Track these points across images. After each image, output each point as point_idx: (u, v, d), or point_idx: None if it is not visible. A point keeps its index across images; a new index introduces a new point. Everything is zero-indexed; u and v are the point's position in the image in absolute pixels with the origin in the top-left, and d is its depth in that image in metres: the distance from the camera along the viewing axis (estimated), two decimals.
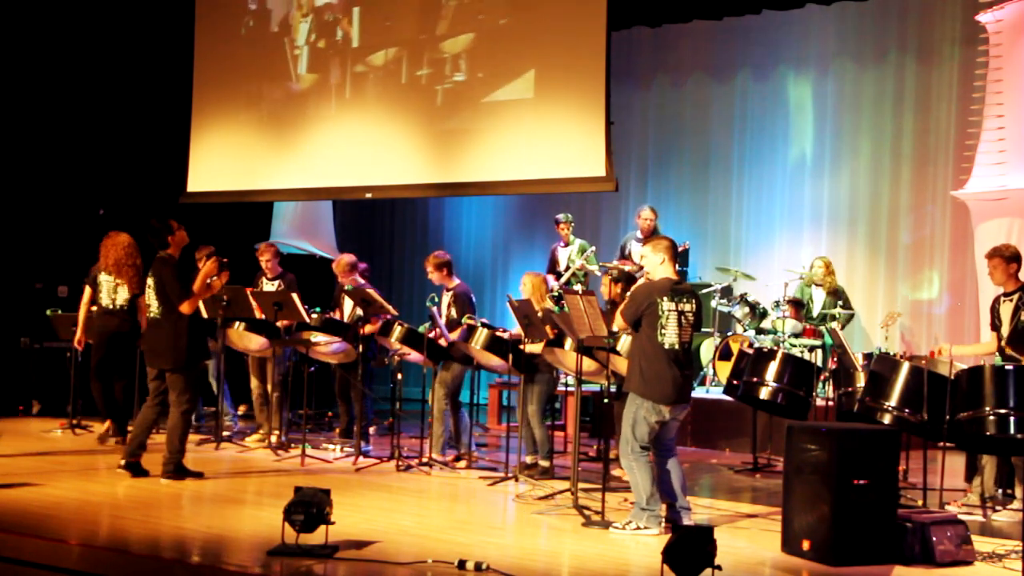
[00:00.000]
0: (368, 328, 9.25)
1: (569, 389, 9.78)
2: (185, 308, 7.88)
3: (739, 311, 11.08)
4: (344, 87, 12.22)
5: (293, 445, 9.51)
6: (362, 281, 10.01)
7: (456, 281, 9.27)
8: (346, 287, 9.86)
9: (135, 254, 9.59)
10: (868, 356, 8.17)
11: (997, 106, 10.50)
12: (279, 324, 9.69)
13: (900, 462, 7.26)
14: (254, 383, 10.13)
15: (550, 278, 11.51)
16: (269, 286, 10.25)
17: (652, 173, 13.70)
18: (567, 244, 11.85)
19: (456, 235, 14.82)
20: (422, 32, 11.72)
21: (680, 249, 11.22)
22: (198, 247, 10.95)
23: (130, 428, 9.22)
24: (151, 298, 8.02)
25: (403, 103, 11.79)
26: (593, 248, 11.72)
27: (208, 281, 8.08)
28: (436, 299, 9.17)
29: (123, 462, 8.03)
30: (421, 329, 9.13)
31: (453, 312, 9.08)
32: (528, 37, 11.04)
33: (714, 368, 10.98)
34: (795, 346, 10.44)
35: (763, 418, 9.69)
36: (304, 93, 12.52)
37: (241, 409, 11.43)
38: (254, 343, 9.93)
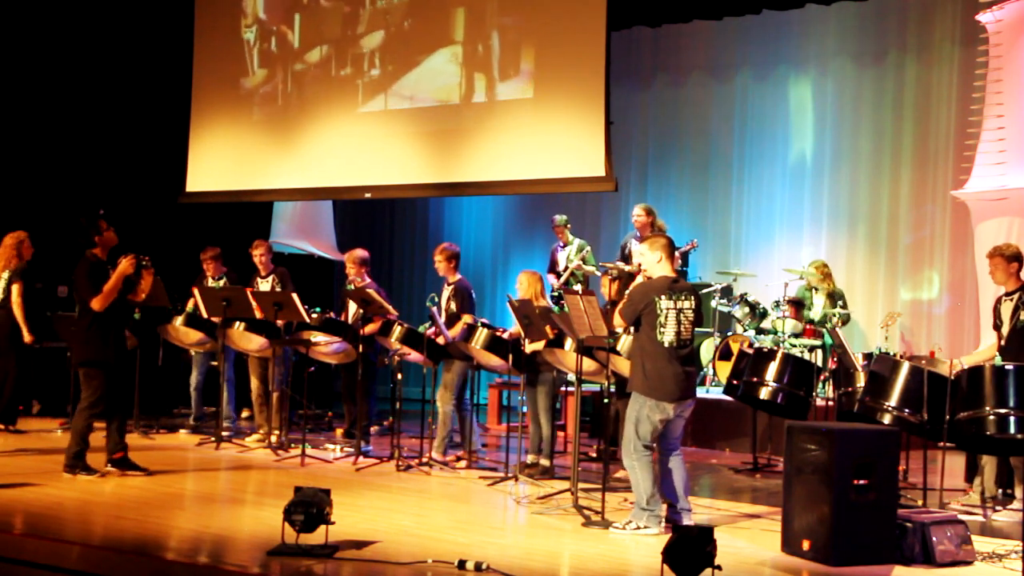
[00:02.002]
0: (369, 328, 9.25)
1: (569, 389, 9.77)
2: (95, 305, 7.96)
3: (739, 311, 11.08)
4: (345, 86, 12.21)
5: (293, 445, 9.51)
6: (367, 280, 10.00)
7: (458, 276, 9.29)
8: (345, 287, 9.86)
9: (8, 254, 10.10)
10: (868, 356, 8.17)
11: (997, 106, 10.49)
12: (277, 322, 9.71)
13: (900, 462, 7.26)
14: (254, 383, 10.14)
15: (550, 278, 11.53)
16: (264, 284, 10.27)
17: (652, 173, 13.70)
18: (566, 244, 11.85)
19: (456, 235, 14.81)
20: (423, 32, 11.74)
21: (688, 248, 11.33)
22: (204, 248, 10.98)
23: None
24: (76, 296, 8.25)
25: (402, 102, 11.79)
26: (588, 248, 11.73)
27: (141, 282, 8.24)
28: (436, 299, 9.18)
29: (107, 464, 8.09)
30: (421, 329, 9.13)
31: (453, 306, 9.09)
32: (529, 37, 11.03)
33: (714, 368, 10.98)
34: (795, 346, 10.43)
35: (763, 418, 9.68)
36: (303, 92, 12.51)
37: (244, 413, 11.43)
38: (254, 343, 9.93)
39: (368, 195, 12.26)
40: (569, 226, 11.87)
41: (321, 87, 12.37)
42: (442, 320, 9.01)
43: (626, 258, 11.04)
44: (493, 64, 11.25)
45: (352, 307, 10.01)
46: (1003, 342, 7.62)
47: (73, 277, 8.15)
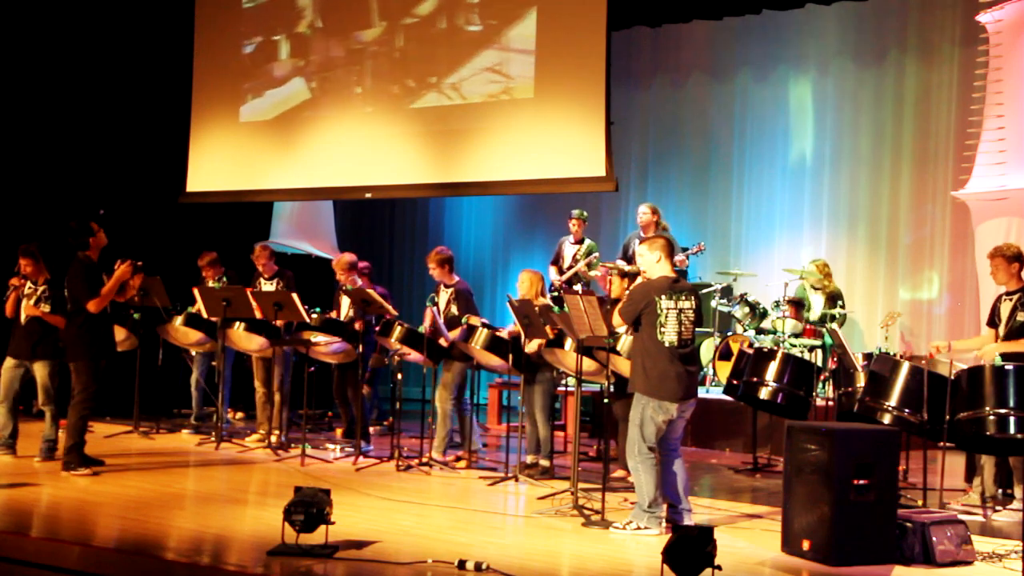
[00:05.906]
0: (358, 325, 9.28)
1: (569, 389, 9.77)
2: (92, 307, 8.17)
3: (739, 311, 11.08)
4: (344, 85, 12.21)
5: (293, 445, 9.52)
6: (360, 282, 10.00)
7: (456, 278, 9.28)
8: (345, 287, 9.86)
9: None
10: (868, 356, 8.17)
11: (997, 106, 10.50)
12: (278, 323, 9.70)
13: (900, 462, 7.26)
14: (258, 384, 10.12)
15: (552, 270, 11.50)
16: (268, 286, 10.26)
17: (652, 173, 13.70)
18: (576, 241, 11.75)
19: (456, 235, 14.83)
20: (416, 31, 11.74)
21: (695, 251, 11.31)
22: (200, 253, 10.96)
23: None
24: (69, 296, 8.37)
25: (403, 102, 11.79)
26: (597, 253, 11.67)
27: (128, 282, 8.40)
28: (435, 299, 9.18)
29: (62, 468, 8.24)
30: (421, 329, 9.13)
31: (454, 309, 9.08)
32: (528, 36, 11.03)
33: (714, 368, 10.98)
34: (795, 346, 10.43)
35: (763, 418, 9.68)
36: (304, 92, 12.51)
37: (239, 415, 11.44)
38: (254, 343, 9.93)
39: (368, 195, 12.26)
40: (586, 223, 11.75)
41: (324, 85, 12.32)
42: (441, 321, 9.01)
43: (629, 258, 11.04)
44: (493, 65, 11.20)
45: (344, 306, 10.00)
46: (999, 341, 7.62)
47: (68, 279, 8.33)
